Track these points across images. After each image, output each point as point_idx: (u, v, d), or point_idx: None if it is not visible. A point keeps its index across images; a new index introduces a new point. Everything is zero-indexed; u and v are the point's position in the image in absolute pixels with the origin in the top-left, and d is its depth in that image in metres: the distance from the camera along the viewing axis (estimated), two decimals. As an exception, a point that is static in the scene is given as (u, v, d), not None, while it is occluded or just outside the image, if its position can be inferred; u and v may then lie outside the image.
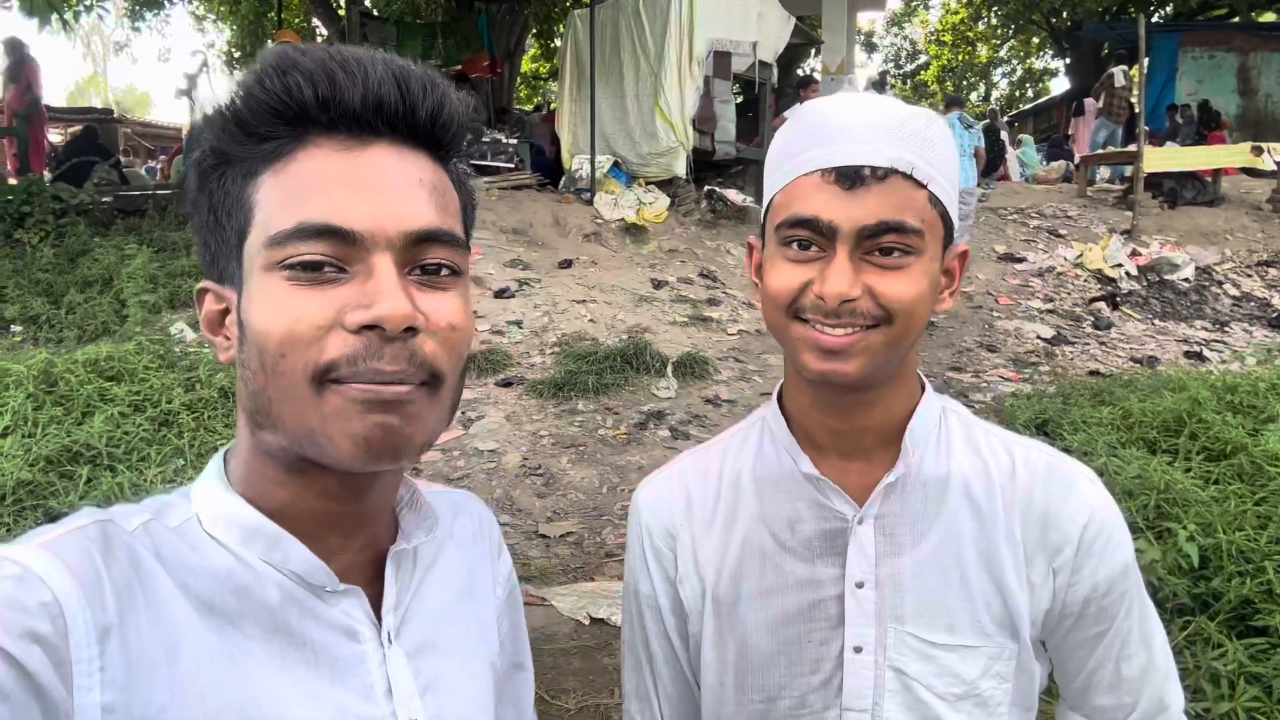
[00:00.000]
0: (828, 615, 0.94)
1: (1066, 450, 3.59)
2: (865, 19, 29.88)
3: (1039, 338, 8.06)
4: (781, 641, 0.96)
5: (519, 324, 7.25)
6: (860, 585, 0.93)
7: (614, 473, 4.86)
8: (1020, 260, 10.09)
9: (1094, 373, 7.00)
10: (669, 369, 6.37)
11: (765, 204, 0.92)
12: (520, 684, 0.96)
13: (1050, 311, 8.82)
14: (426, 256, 0.66)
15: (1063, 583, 0.92)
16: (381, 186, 0.65)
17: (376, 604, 0.74)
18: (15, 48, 9.84)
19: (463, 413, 5.75)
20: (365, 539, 0.75)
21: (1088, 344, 8.03)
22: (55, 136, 14.27)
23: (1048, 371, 7.09)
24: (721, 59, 10.86)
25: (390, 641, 0.74)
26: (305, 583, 0.70)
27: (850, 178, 0.82)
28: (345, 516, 0.72)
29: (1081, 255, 10.09)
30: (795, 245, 0.85)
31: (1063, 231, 10.96)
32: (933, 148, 0.84)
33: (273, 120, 0.65)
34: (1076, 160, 13.77)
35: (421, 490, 0.81)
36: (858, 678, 0.93)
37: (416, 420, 0.65)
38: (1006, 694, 0.93)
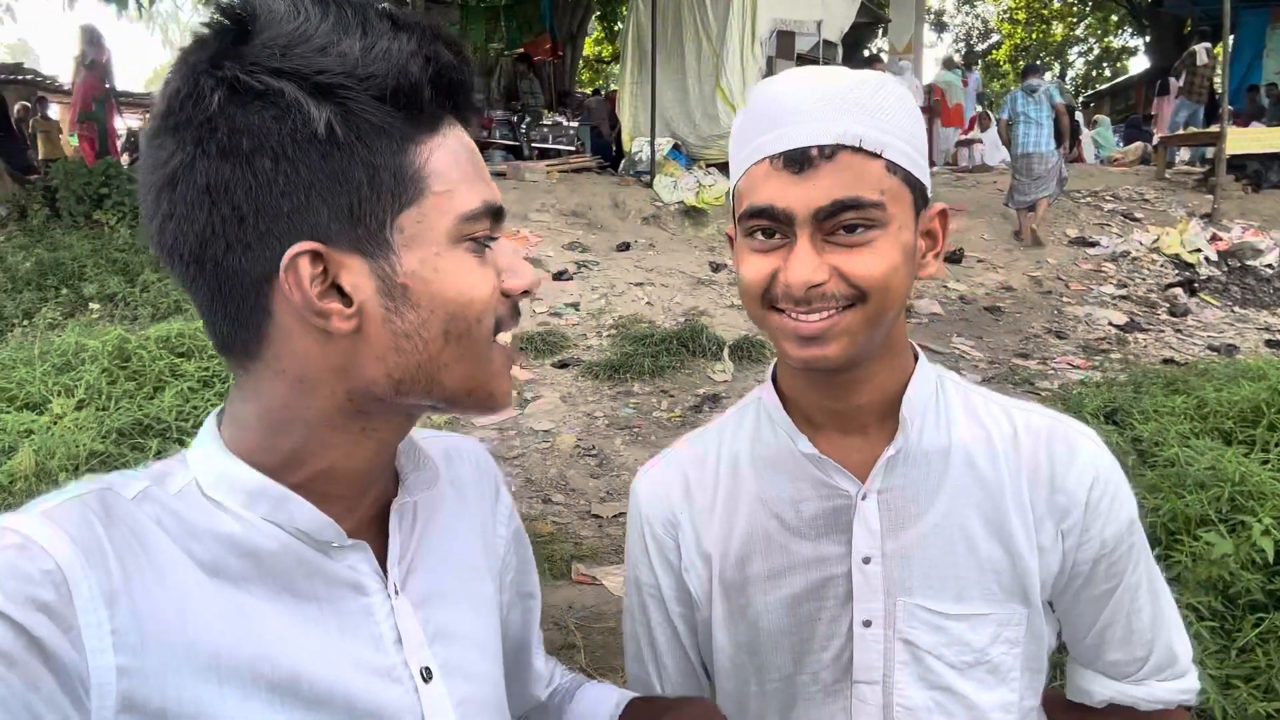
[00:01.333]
0: (836, 593, 0.95)
1: (1136, 440, 3.49)
2: (935, -3, 29.19)
3: (1111, 324, 7.80)
4: (793, 621, 0.96)
5: (576, 306, 7.27)
6: (867, 560, 0.93)
7: (668, 455, 4.85)
8: (1093, 244, 9.76)
9: (1168, 361, 6.75)
10: (725, 352, 6.33)
11: (730, 193, 0.91)
12: (530, 610, 1.00)
13: (1123, 297, 8.53)
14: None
15: (1072, 544, 0.93)
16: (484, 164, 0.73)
17: (381, 557, 0.75)
18: (91, 36, 10.14)
19: (519, 393, 5.79)
20: (376, 494, 0.76)
21: (1162, 331, 7.75)
22: (135, 122, 14.74)
23: (1119, 359, 6.86)
24: (785, 39, 10.72)
25: (397, 592, 0.75)
26: (311, 540, 0.70)
27: (798, 161, 0.81)
28: (373, 474, 0.74)
29: (1158, 239, 9.72)
30: (759, 235, 0.85)
31: (1139, 215, 10.57)
32: (885, 114, 0.82)
33: (440, 95, 0.67)
34: (1156, 141, 13.26)
35: (417, 439, 0.82)
36: (867, 651, 0.94)
37: None
38: (1017, 659, 0.94)
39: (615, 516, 4.18)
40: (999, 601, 0.92)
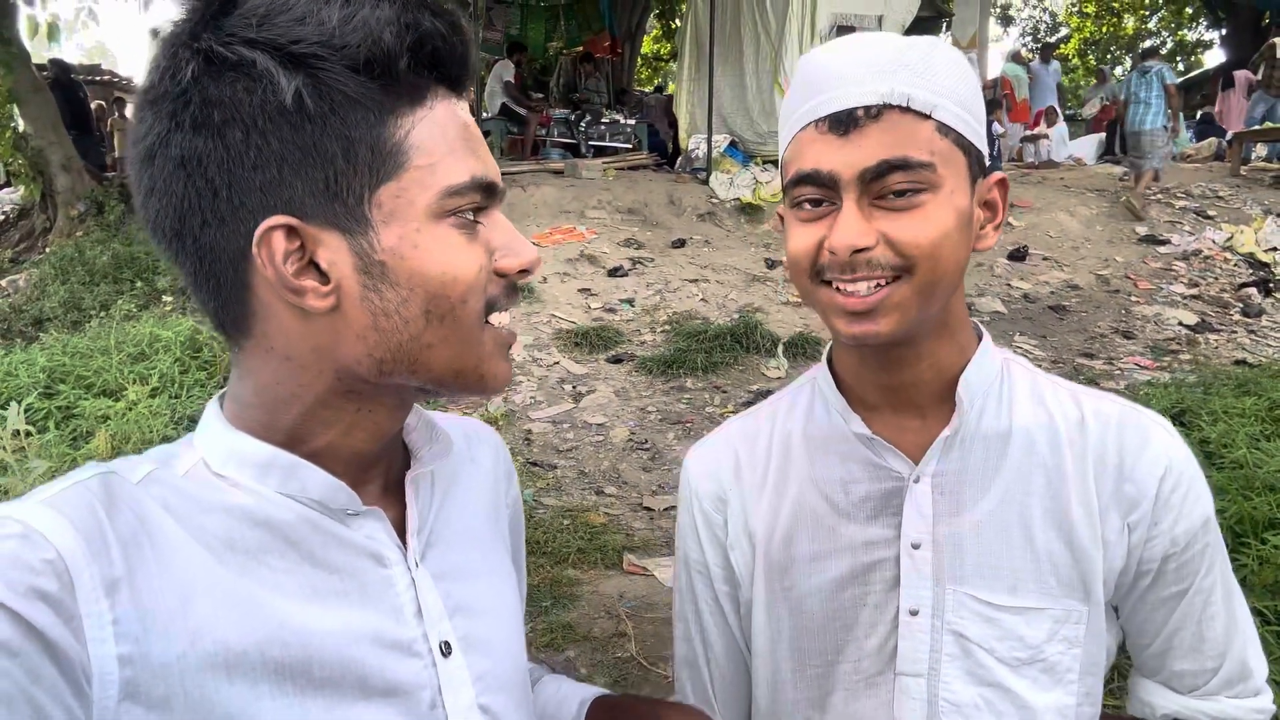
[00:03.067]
0: (883, 578, 0.91)
1: (1204, 442, 3.40)
2: (1001, -9, 28.57)
3: (1180, 324, 7.56)
4: (836, 606, 0.93)
5: (631, 302, 7.30)
6: (916, 546, 0.89)
7: (720, 450, 4.85)
8: (1163, 242, 9.47)
9: (1240, 363, 6.53)
10: (779, 349, 6.30)
11: (780, 166, 0.88)
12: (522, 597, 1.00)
13: (1194, 297, 8.26)
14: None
15: (1139, 539, 0.87)
16: (483, 140, 0.70)
17: (399, 529, 0.74)
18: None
19: (573, 386, 5.84)
20: (384, 467, 0.76)
21: (1234, 332, 7.49)
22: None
23: (1188, 360, 6.66)
24: (845, 34, 10.59)
25: (417, 564, 0.74)
26: (325, 508, 0.69)
27: (844, 122, 0.78)
28: (376, 452, 0.73)
29: (1232, 238, 9.39)
30: (806, 205, 0.82)
31: (1211, 213, 10.23)
32: (935, 75, 0.78)
33: (419, 65, 0.64)
34: (1230, 136, 12.80)
35: (430, 417, 0.81)
36: (913, 641, 0.90)
37: None
38: (1076, 660, 0.88)
39: (667, 509, 4.20)
40: (1056, 596, 0.87)
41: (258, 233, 0.61)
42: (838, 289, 0.81)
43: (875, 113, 0.77)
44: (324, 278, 0.63)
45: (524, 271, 0.70)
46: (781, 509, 0.96)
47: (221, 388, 3.22)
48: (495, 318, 0.70)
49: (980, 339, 0.92)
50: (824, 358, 0.99)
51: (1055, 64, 12.71)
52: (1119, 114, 10.63)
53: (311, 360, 0.66)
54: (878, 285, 0.79)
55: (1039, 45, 13.31)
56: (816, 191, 0.81)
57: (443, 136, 0.65)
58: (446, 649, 0.73)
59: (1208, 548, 0.89)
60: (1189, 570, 0.88)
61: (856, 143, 0.78)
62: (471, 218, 0.66)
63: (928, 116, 0.78)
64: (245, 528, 0.66)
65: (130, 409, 4.28)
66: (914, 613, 0.89)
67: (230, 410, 0.70)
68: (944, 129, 0.79)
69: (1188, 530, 0.87)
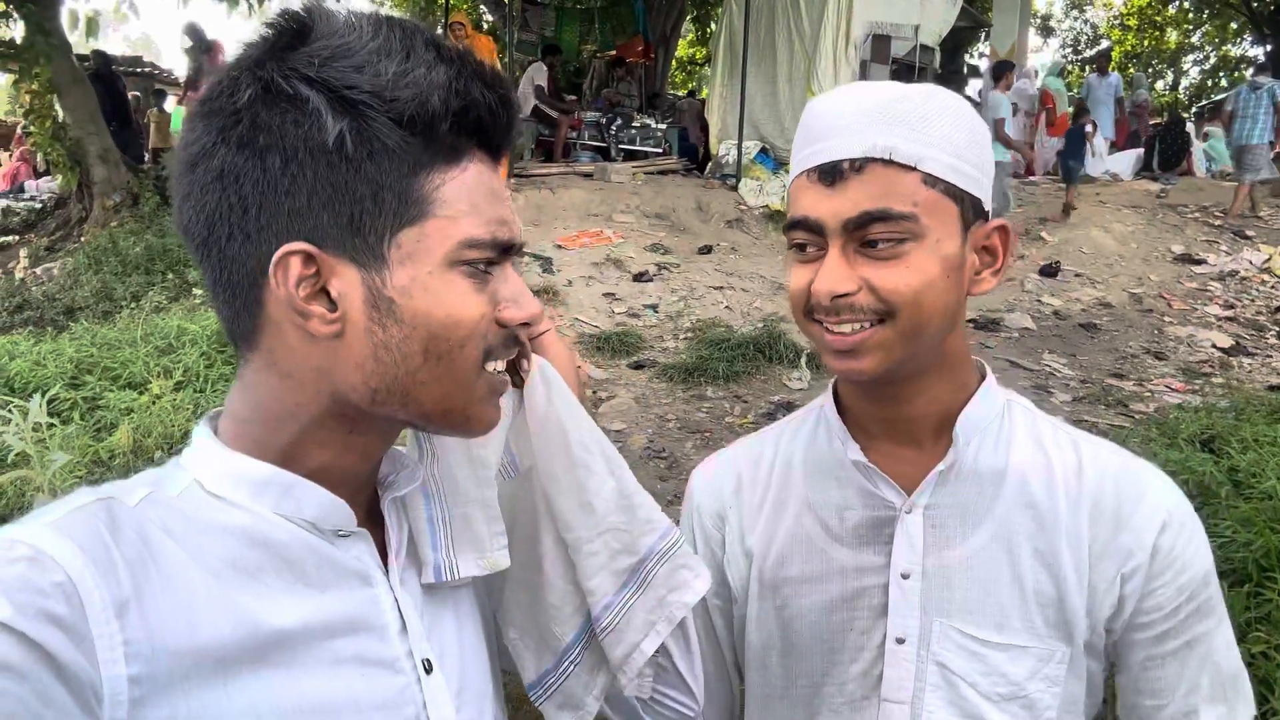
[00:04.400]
0: (871, 605, 0.94)
1: (1233, 470, 3.33)
2: (1042, 1, 28.27)
3: (1214, 347, 7.42)
4: (824, 628, 0.96)
5: (654, 308, 7.29)
6: (905, 576, 0.92)
7: (739, 461, 4.82)
8: (1199, 262, 9.31)
9: (1275, 388, 6.39)
10: (803, 360, 6.25)
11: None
12: None
13: (1230, 319, 8.10)
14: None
15: (1134, 589, 0.89)
16: (509, 203, 0.74)
17: (380, 550, 0.77)
18: (196, 36, 10.52)
19: (594, 392, 5.83)
20: (369, 491, 0.79)
21: (1270, 356, 7.34)
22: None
23: (1221, 384, 6.52)
24: (880, 43, 10.51)
25: (401, 584, 0.77)
26: (317, 529, 0.71)
27: (830, 173, 0.83)
28: (363, 474, 0.77)
29: (1271, 259, 9.21)
30: (798, 248, 0.87)
31: (1250, 233, 10.04)
32: (926, 125, 0.82)
33: (461, 128, 0.68)
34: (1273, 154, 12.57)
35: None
36: (898, 669, 0.93)
37: None
38: (1056, 698, 0.90)
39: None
40: (1041, 636, 0.89)
41: (277, 254, 0.65)
42: (826, 328, 0.86)
43: (859, 166, 0.82)
44: (333, 305, 0.67)
45: (525, 325, 0.73)
46: (778, 530, 1.00)
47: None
48: (492, 365, 0.73)
49: (984, 378, 0.95)
50: (830, 385, 1.03)
51: (1114, 76, 12.48)
52: (1225, 125, 10.85)
53: (310, 380, 0.69)
54: (861, 326, 0.84)
55: (1095, 56, 13.09)
56: (807, 237, 0.86)
57: (469, 195, 0.69)
58: (429, 666, 0.76)
59: (1211, 597, 0.90)
60: (1199, 618, 0.89)
61: (841, 193, 0.82)
62: (483, 269, 0.70)
63: (912, 168, 0.81)
64: (244, 547, 0.67)
65: (154, 402, 4.32)
66: (900, 641, 0.93)
67: (227, 430, 0.72)
68: (930, 180, 0.82)
69: (1191, 580, 0.88)
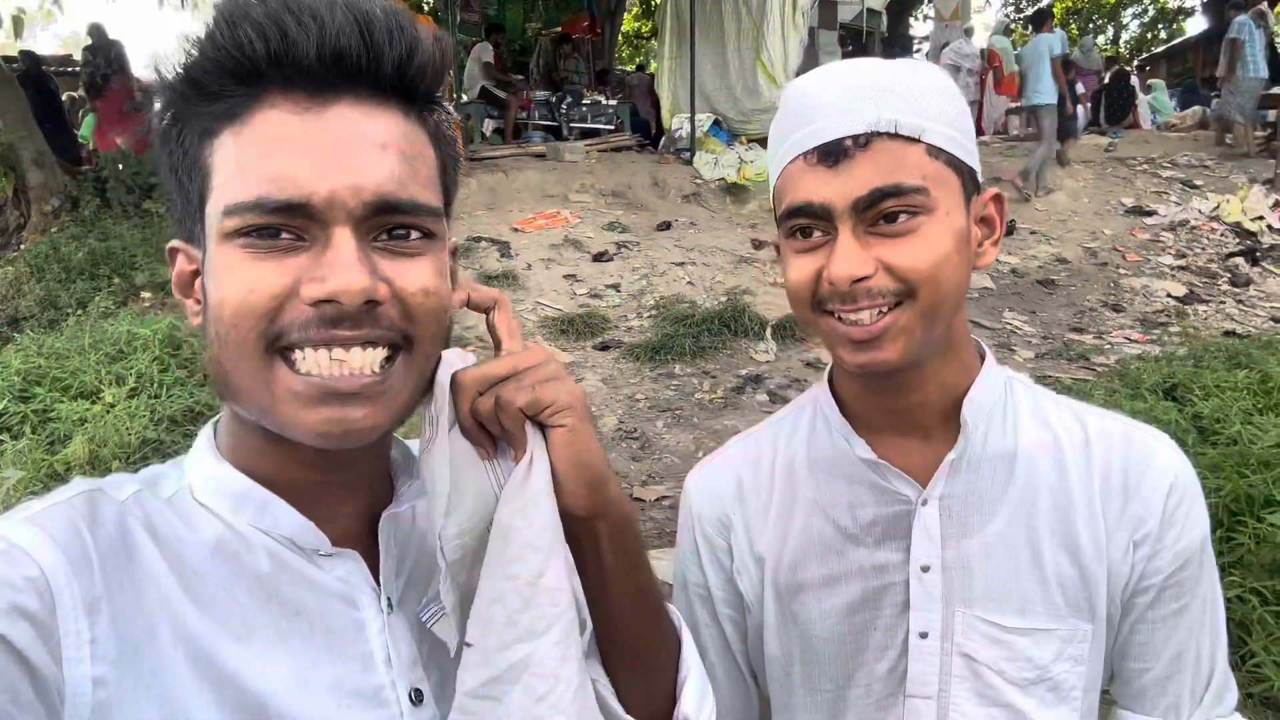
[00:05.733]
0: (893, 602, 0.92)
1: (1197, 417, 3.38)
2: (982, -39, 28.35)
3: (1169, 296, 7.56)
4: (846, 630, 0.93)
5: (616, 287, 7.24)
6: (925, 569, 0.90)
7: (710, 437, 4.81)
8: (1150, 214, 9.46)
9: (1230, 333, 6.52)
10: (768, 332, 6.25)
11: (771, 196, 0.89)
12: None
13: (1182, 268, 8.25)
14: (391, 223, 0.63)
15: (1143, 555, 0.88)
16: (340, 153, 0.61)
17: (377, 572, 0.72)
18: (99, 33, 10.20)
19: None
20: (360, 506, 0.73)
21: (1223, 302, 7.49)
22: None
23: (1178, 332, 6.64)
24: (827, 8, 10.51)
25: (391, 608, 0.71)
26: (297, 547, 0.68)
27: (833, 153, 0.79)
28: (331, 485, 0.70)
29: (1219, 207, 9.38)
30: (799, 235, 0.83)
31: (1198, 182, 10.21)
32: (921, 97, 0.80)
33: (225, 78, 0.61)
34: (1214, 104, 12.78)
35: (414, 450, 0.78)
36: (923, 663, 0.91)
37: (381, 401, 0.63)
38: (1080, 677, 0.89)
39: (658, 500, 4.16)
40: (1063, 617, 0.88)
41: (167, 251, 0.68)
42: (840, 318, 0.82)
43: (864, 141, 0.78)
44: (200, 296, 0.66)
45: (327, 302, 0.60)
46: (789, 534, 0.96)
47: (203, 385, 3.11)
48: (306, 359, 0.60)
49: (983, 358, 0.93)
50: (824, 379, 0.99)
51: (1057, 33, 12.58)
52: (1232, 57, 10.77)
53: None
54: (880, 312, 0.80)
55: (1036, 14, 13.14)
56: (811, 222, 0.82)
57: (239, 155, 0.61)
58: (418, 697, 0.71)
59: (1205, 563, 0.90)
60: (1189, 585, 0.89)
61: (847, 172, 0.78)
62: (261, 238, 0.60)
63: (917, 140, 0.79)
64: (216, 562, 0.65)
65: (108, 411, 4.20)
66: (924, 635, 0.90)
67: (220, 437, 0.71)
68: (934, 151, 0.80)
69: (1189, 546, 0.88)
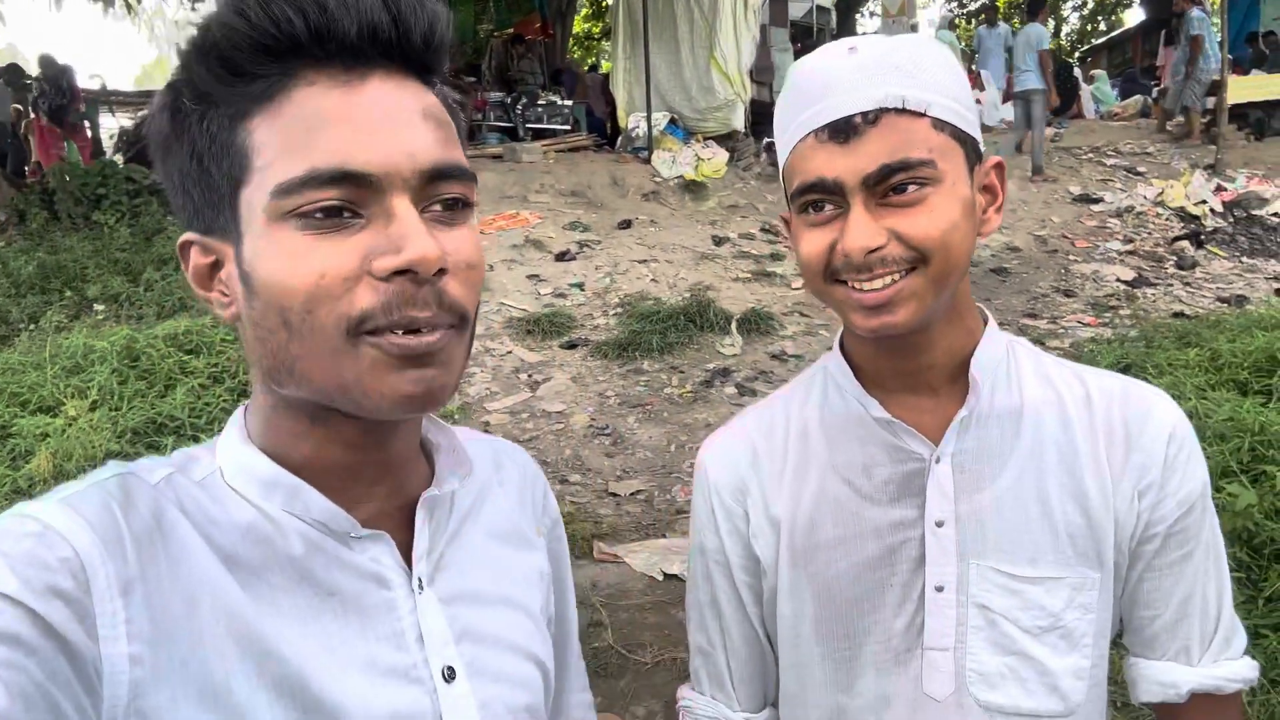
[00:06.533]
0: (908, 557, 0.94)
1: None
2: (926, -43, 28.79)
3: (1119, 280, 7.76)
4: (863, 588, 0.95)
5: (581, 286, 7.25)
6: (940, 524, 0.92)
7: (681, 431, 4.85)
8: (1097, 201, 9.70)
9: (1178, 315, 6.72)
10: (733, 326, 6.31)
11: (781, 173, 0.92)
12: (562, 635, 0.93)
13: (1130, 253, 8.48)
14: (441, 192, 0.64)
15: (1148, 503, 0.91)
16: (389, 123, 0.62)
17: (408, 551, 0.73)
18: (50, 64, 10.15)
19: (529, 375, 5.78)
20: (391, 487, 0.73)
21: (1171, 285, 7.71)
22: (126, 121, 14.64)
23: (1129, 315, 6.83)
24: (778, 6, 10.62)
25: (422, 588, 0.72)
26: (329, 530, 0.68)
27: (843, 130, 0.81)
28: (368, 465, 0.71)
29: (1163, 193, 9.65)
30: (812, 210, 0.86)
31: (1141, 169, 10.50)
32: (925, 71, 0.83)
33: (261, 56, 0.60)
34: (1156, 94, 13.13)
35: (459, 437, 0.79)
36: (940, 617, 0.93)
37: (449, 366, 0.65)
38: (1090, 624, 0.92)
39: (633, 494, 4.19)
40: (1072, 565, 0.91)
41: (177, 248, 0.66)
42: (853, 286, 0.84)
43: (872, 118, 0.81)
44: (228, 287, 0.66)
45: (403, 272, 0.60)
46: (803, 496, 0.98)
47: (163, 395, 3.06)
48: (387, 338, 0.61)
49: (986, 322, 0.96)
50: (835, 344, 1.02)
51: (1002, 27, 12.79)
52: (1195, 52, 11.10)
53: (252, 365, 0.68)
54: (893, 279, 0.83)
55: (982, 8, 13.37)
56: (823, 197, 0.84)
57: (285, 131, 0.60)
58: (450, 674, 0.71)
59: (1205, 510, 0.93)
60: (1193, 532, 0.92)
61: (857, 149, 0.81)
62: (322, 217, 0.60)
63: (922, 114, 0.81)
64: (249, 544, 0.66)
65: (70, 425, 4.12)
66: (940, 589, 0.92)
67: (249, 420, 0.71)
68: (939, 124, 0.82)
69: (1191, 493, 0.91)
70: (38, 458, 3.71)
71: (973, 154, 0.86)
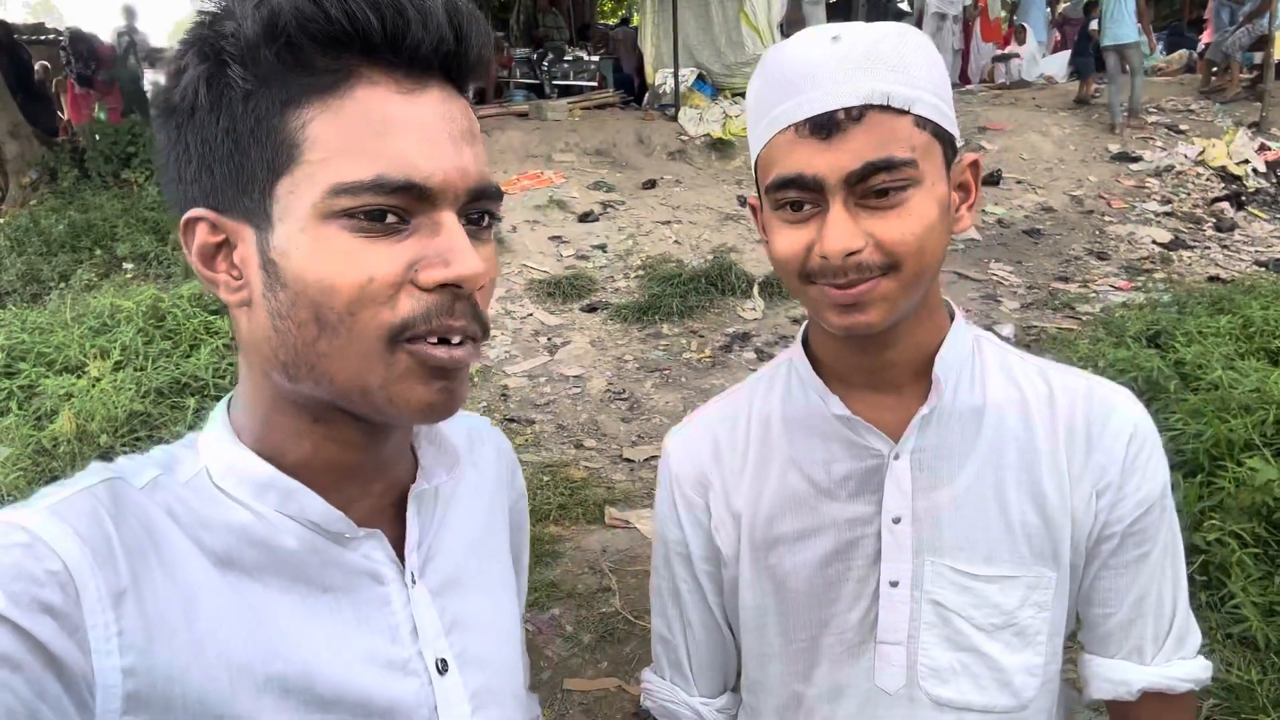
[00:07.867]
0: (865, 553, 0.94)
1: (1179, 364, 3.40)
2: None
3: (1154, 243, 7.57)
4: (820, 582, 0.96)
5: (603, 248, 7.21)
6: (897, 520, 0.92)
7: (698, 396, 4.83)
8: (1135, 159, 9.43)
9: (1214, 278, 6.56)
10: (755, 289, 6.25)
11: (753, 161, 0.88)
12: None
13: (1168, 214, 8.25)
14: (478, 208, 0.65)
15: (1106, 503, 0.91)
16: (445, 137, 0.62)
17: (399, 545, 0.73)
18: (77, 35, 10.28)
19: (549, 339, 5.78)
20: (385, 483, 0.74)
21: (1208, 248, 7.51)
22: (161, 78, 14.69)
23: (1163, 279, 6.67)
24: (809, -42, 10.33)
25: (414, 581, 0.73)
26: (323, 530, 0.68)
27: (825, 126, 0.78)
28: (365, 465, 0.71)
29: (1204, 152, 9.36)
30: (788, 207, 0.83)
31: (1183, 127, 10.17)
32: (909, 67, 0.79)
33: (329, 48, 0.59)
34: (1201, 48, 12.67)
35: (440, 427, 0.79)
36: (893, 611, 0.93)
37: (466, 378, 0.67)
38: (1045, 622, 0.93)
39: (647, 460, 4.19)
40: (1028, 564, 0.91)
41: (181, 222, 0.64)
42: (827, 287, 0.83)
43: (857, 114, 0.78)
44: (240, 271, 0.64)
45: (451, 286, 0.61)
46: (764, 489, 0.98)
47: (188, 355, 3.10)
48: (416, 346, 0.62)
49: (953, 317, 0.95)
50: (799, 339, 1.01)
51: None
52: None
53: (252, 356, 0.66)
54: (866, 281, 0.81)
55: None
56: (800, 194, 0.81)
57: (346, 130, 0.59)
58: (443, 666, 0.73)
59: (1164, 510, 0.93)
60: (1151, 533, 0.92)
61: (840, 146, 0.78)
62: (370, 220, 0.60)
63: (906, 112, 0.79)
64: (243, 546, 0.65)
65: (94, 385, 4.19)
66: (894, 584, 0.93)
67: (235, 417, 0.70)
68: (921, 122, 0.80)
69: (1150, 494, 0.91)
70: (61, 418, 3.78)
71: (950, 150, 0.84)
